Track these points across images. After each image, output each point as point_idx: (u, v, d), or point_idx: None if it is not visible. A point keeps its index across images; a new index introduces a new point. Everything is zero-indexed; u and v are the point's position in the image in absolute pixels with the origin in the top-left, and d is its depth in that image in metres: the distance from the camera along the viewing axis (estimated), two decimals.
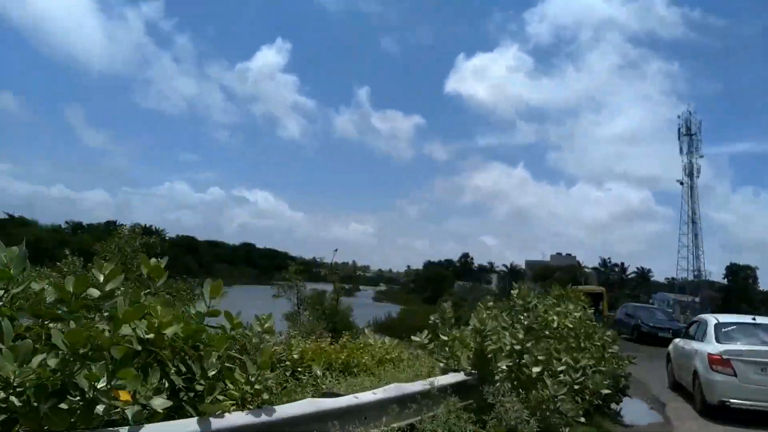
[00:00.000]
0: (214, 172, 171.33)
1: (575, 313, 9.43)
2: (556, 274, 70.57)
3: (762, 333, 10.43)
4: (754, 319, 11.48)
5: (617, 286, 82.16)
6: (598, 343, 9.66)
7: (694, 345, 11.04)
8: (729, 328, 10.77)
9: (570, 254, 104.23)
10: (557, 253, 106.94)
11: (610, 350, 10.00)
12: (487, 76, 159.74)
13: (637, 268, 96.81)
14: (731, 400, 9.33)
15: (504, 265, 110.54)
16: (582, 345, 8.93)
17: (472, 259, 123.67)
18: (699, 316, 13.52)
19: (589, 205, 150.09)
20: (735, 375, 9.45)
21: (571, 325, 8.86)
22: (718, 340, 10.30)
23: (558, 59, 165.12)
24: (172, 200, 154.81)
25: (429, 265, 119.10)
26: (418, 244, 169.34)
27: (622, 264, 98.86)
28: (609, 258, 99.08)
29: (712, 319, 11.34)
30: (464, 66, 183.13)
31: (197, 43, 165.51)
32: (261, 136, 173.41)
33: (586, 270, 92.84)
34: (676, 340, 13.54)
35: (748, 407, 9.28)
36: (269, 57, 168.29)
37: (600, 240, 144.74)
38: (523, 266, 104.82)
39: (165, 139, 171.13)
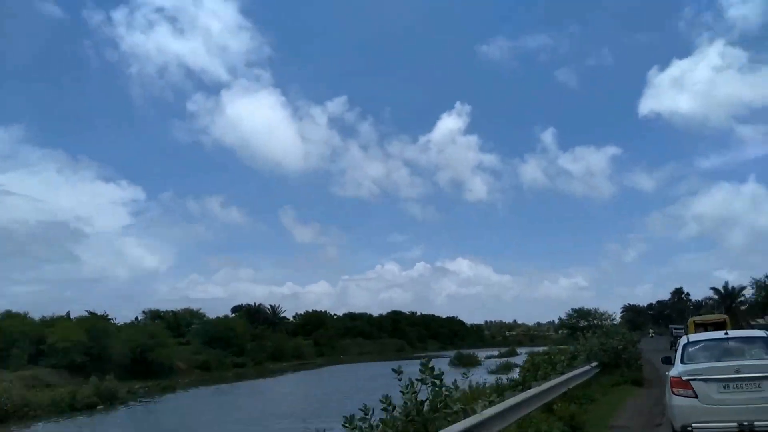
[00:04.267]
0: (418, 248, 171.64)
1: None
2: None
3: (734, 347, 9.47)
4: (726, 333, 10.41)
5: None
6: None
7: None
8: (696, 347, 9.66)
9: None
10: None
11: None
12: (688, 85, 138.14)
13: None
14: (693, 425, 8.31)
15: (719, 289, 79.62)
16: None
17: (687, 295, 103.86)
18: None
19: None
20: (696, 397, 8.42)
21: None
22: (682, 361, 9.26)
23: None
24: (383, 281, 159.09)
25: (626, 309, 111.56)
26: (639, 291, 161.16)
27: None
28: None
29: (684, 338, 10.32)
30: (658, 80, 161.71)
31: (378, 127, 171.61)
32: (450, 203, 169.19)
33: None
34: None
35: (712, 430, 8.24)
36: (449, 123, 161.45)
37: None
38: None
39: (366, 223, 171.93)
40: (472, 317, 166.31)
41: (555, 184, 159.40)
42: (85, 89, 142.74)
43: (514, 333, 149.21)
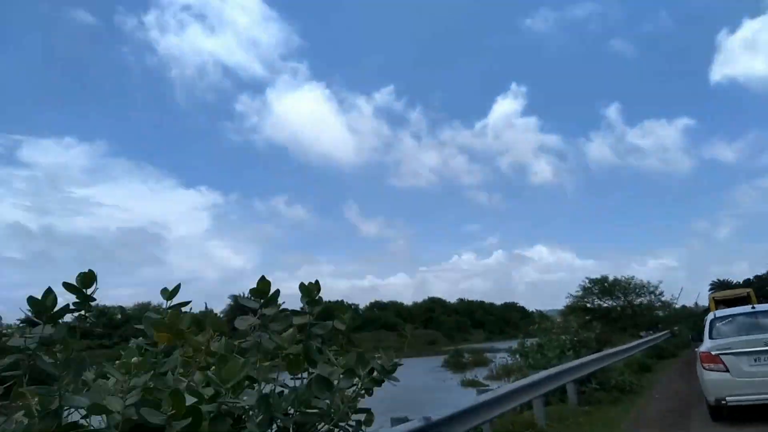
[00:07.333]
0: (494, 237, 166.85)
1: None
2: None
3: (763, 321, 9.64)
4: (753, 307, 10.47)
5: None
6: None
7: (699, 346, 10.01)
8: (724, 322, 9.93)
9: None
10: None
11: None
12: (764, 46, 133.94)
13: None
14: (727, 398, 8.67)
15: None
16: None
17: None
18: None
19: None
20: (727, 371, 8.78)
21: None
22: (710, 336, 9.63)
23: None
24: (461, 271, 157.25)
25: (715, 286, 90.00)
26: (736, 269, 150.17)
27: None
28: None
29: (711, 314, 10.58)
30: (730, 44, 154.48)
31: (429, 115, 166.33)
32: (516, 188, 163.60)
33: None
34: None
35: (746, 403, 8.58)
36: (506, 106, 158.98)
37: None
38: None
39: (432, 214, 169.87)
40: (556, 303, 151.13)
41: (626, 161, 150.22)
42: (137, 98, 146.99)
43: None
